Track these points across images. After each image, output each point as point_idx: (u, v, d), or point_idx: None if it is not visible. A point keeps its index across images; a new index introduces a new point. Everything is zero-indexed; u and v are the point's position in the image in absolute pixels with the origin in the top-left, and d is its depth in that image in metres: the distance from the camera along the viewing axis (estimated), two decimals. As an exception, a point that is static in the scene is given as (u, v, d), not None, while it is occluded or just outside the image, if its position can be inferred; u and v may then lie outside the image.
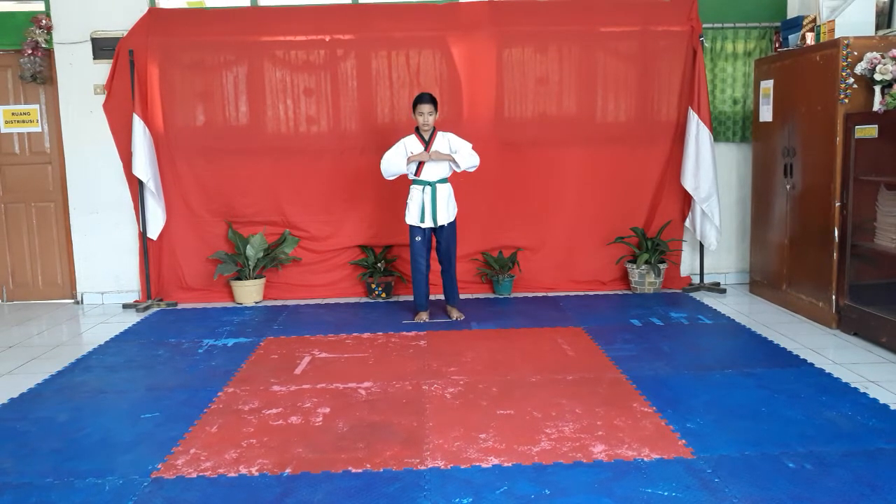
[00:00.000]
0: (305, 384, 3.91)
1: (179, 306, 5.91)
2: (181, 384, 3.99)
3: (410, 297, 5.93)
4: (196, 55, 5.83)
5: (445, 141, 4.99)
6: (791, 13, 5.88)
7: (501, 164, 5.94)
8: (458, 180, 5.99)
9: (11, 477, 2.93)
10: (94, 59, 5.87)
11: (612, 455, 2.96)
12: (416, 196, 5.01)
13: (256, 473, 2.89)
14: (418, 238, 5.07)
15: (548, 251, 6.04)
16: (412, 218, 5.05)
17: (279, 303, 5.93)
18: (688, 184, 5.79)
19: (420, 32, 5.85)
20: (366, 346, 4.60)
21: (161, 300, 5.94)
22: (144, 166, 5.65)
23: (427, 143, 4.96)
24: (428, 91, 5.87)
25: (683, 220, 6.06)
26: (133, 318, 5.58)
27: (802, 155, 5.08)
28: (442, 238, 5.11)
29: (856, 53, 4.53)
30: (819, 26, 4.98)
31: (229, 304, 5.92)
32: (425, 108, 4.89)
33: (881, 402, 3.47)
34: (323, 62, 5.88)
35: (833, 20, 4.79)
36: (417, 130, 5.01)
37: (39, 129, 6.10)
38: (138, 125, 5.65)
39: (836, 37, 4.69)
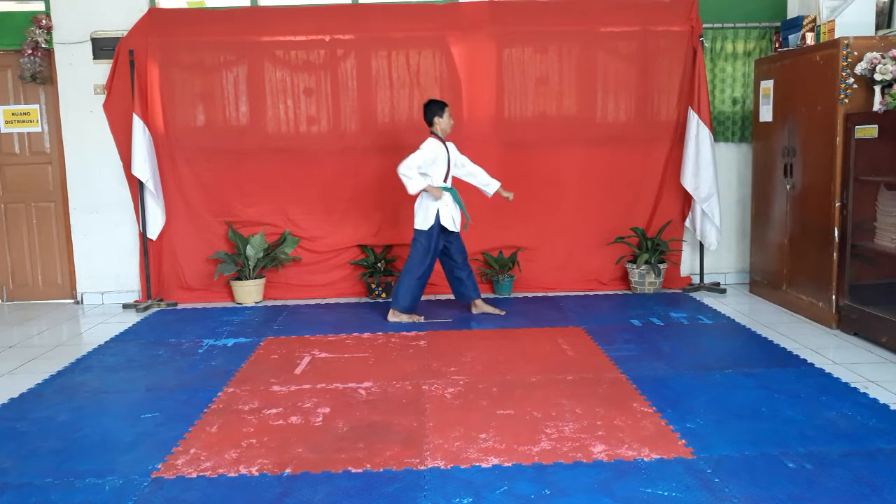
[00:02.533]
0: (305, 384, 3.91)
1: (179, 306, 5.91)
2: (181, 384, 3.99)
3: (410, 297, 5.94)
4: (196, 55, 5.84)
5: (454, 150, 5.13)
6: (791, 13, 5.88)
7: (501, 164, 5.93)
8: (457, 179, 6.00)
9: (11, 477, 2.93)
10: (94, 59, 5.87)
11: (613, 455, 2.96)
12: (447, 200, 5.00)
13: (256, 473, 2.89)
14: (433, 242, 5.04)
15: (548, 251, 6.04)
16: (430, 221, 4.98)
17: (279, 303, 5.93)
18: (688, 184, 5.79)
19: (420, 32, 5.85)
20: (366, 346, 4.60)
21: (161, 300, 5.94)
22: (144, 166, 5.65)
23: (447, 148, 5.03)
24: (428, 91, 5.91)
25: (683, 220, 6.06)
26: (133, 318, 5.58)
27: (802, 155, 5.08)
28: (456, 239, 5.16)
29: (856, 53, 4.53)
30: (819, 26, 4.98)
31: (229, 304, 5.92)
32: (448, 110, 5.00)
33: (881, 402, 3.47)
34: (323, 62, 5.88)
35: (833, 20, 4.79)
36: (435, 135, 4.99)
37: (39, 129, 6.10)
38: (138, 125, 5.65)
39: (836, 37, 4.69)
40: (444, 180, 5.02)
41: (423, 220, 5.02)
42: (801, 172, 5.09)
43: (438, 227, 5.02)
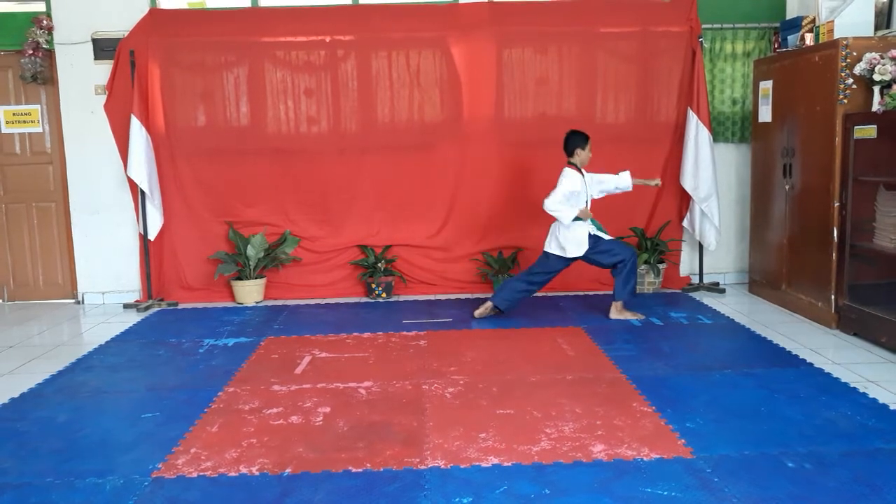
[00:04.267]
0: (305, 384, 3.92)
1: (180, 306, 5.92)
2: (182, 384, 4.00)
3: (410, 297, 5.97)
4: (197, 56, 5.84)
5: (591, 176, 5.09)
6: (790, 14, 5.89)
7: (501, 164, 5.95)
8: (458, 179, 6.01)
9: (11, 477, 2.94)
10: (95, 59, 5.88)
11: (612, 455, 2.97)
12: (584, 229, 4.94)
13: (257, 473, 2.90)
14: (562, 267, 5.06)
15: (548, 251, 6.04)
16: (584, 248, 4.93)
17: (279, 303, 5.93)
18: (687, 184, 5.80)
19: (420, 32, 5.86)
20: (366, 346, 4.60)
21: (162, 300, 5.95)
22: (140, 168, 5.64)
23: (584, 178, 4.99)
24: (428, 91, 5.91)
25: (681, 220, 6.06)
26: (134, 317, 5.58)
27: (801, 155, 5.08)
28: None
29: (855, 54, 4.54)
30: (818, 27, 4.98)
31: (230, 304, 5.93)
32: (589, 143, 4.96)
33: (881, 402, 3.47)
34: (323, 62, 5.89)
35: (832, 21, 4.80)
36: (573, 165, 4.96)
37: (40, 130, 6.11)
38: (135, 126, 5.64)
39: (835, 37, 4.70)
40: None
41: (576, 248, 4.93)
42: (801, 172, 5.09)
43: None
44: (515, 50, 5.88)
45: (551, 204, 4.86)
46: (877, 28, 4.82)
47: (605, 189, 5.15)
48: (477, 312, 5.22)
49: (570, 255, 4.97)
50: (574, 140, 4.96)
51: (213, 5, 6.04)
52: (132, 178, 5.68)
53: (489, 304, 5.19)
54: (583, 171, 5.00)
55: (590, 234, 4.95)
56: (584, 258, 5.01)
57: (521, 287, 5.15)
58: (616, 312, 5.11)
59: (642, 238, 5.94)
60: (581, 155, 4.95)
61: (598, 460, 2.92)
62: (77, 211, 6.04)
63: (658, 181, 5.18)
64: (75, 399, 3.82)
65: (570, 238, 4.94)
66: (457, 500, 2.64)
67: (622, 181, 5.13)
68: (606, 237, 5.01)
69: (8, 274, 6.24)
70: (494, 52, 5.87)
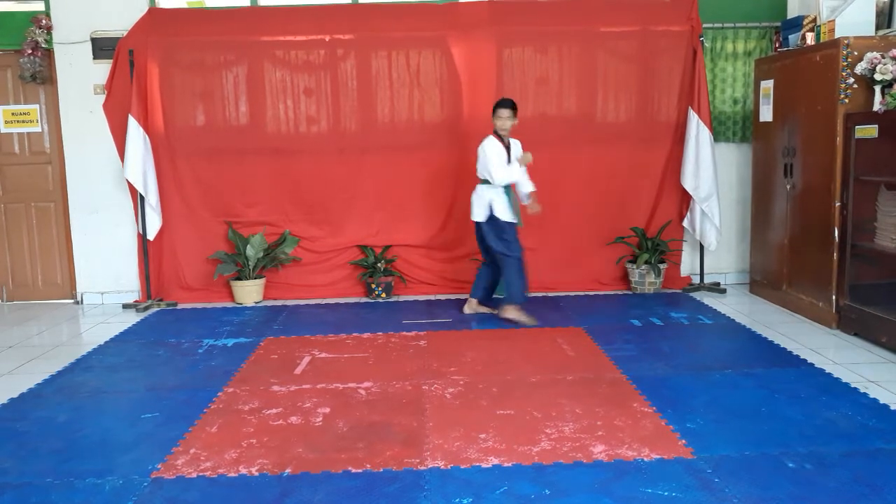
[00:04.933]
0: (305, 384, 3.91)
1: (179, 306, 5.91)
2: (181, 384, 3.99)
3: (410, 297, 5.96)
4: (196, 55, 5.83)
5: (518, 147, 5.05)
6: (791, 13, 5.88)
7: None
8: (458, 179, 6.00)
9: (11, 477, 2.93)
10: (94, 59, 5.87)
11: (612, 455, 2.96)
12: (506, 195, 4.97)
13: (256, 473, 2.89)
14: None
15: (548, 251, 6.03)
16: (480, 214, 4.99)
17: (279, 303, 5.93)
18: (688, 184, 5.80)
19: (420, 32, 5.85)
20: (366, 346, 4.60)
21: (161, 300, 5.94)
22: (136, 170, 5.62)
23: (507, 148, 4.96)
24: (429, 91, 5.91)
25: (682, 220, 6.05)
26: (133, 318, 5.58)
27: (802, 155, 5.08)
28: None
29: (856, 53, 4.53)
30: (819, 26, 4.98)
31: (229, 304, 5.92)
32: (504, 112, 4.91)
33: (881, 402, 3.47)
34: (323, 62, 5.88)
35: (833, 20, 4.79)
36: (496, 133, 4.96)
37: (39, 129, 6.10)
38: (133, 127, 5.63)
39: (836, 37, 4.69)
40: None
41: (479, 211, 4.98)
42: (801, 172, 5.09)
43: None
44: (515, 49, 5.88)
45: (499, 175, 4.86)
46: (878, 27, 4.81)
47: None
48: (466, 308, 5.33)
49: (475, 217, 5.02)
50: (494, 108, 4.97)
51: (213, 4, 6.03)
52: (128, 179, 5.67)
53: (472, 299, 5.30)
54: (504, 138, 4.96)
55: (499, 219, 4.90)
56: (485, 236, 4.99)
57: (480, 270, 5.28)
58: (507, 312, 5.05)
59: (643, 238, 5.93)
60: (496, 123, 4.95)
61: (598, 461, 2.92)
62: (76, 211, 6.03)
63: (538, 210, 5.12)
64: (75, 399, 3.81)
65: (476, 202, 5.01)
66: (457, 500, 2.64)
67: (522, 187, 5.10)
68: (514, 222, 4.96)
69: (7, 274, 6.23)
70: (494, 52, 5.86)
